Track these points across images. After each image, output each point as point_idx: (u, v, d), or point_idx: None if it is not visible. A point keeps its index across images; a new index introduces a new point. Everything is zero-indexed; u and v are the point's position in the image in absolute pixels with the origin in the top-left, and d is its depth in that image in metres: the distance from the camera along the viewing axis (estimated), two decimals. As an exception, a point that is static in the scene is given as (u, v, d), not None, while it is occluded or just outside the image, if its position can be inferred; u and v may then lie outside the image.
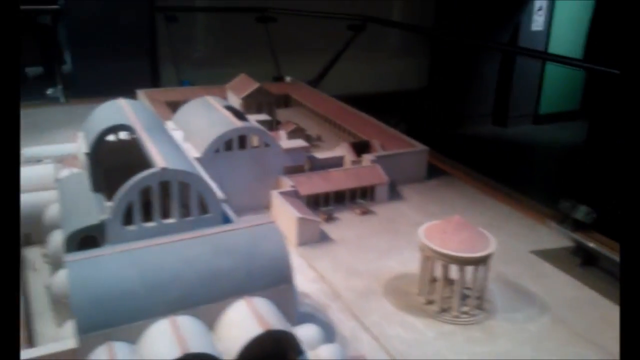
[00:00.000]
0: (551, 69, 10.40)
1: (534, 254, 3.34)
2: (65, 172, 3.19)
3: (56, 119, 5.31)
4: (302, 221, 3.23)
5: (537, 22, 10.33)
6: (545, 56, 9.57)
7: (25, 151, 3.81)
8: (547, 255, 3.33)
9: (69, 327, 2.13)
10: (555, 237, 3.55)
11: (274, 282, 2.18)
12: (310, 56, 7.55)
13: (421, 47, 10.27)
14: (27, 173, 3.31)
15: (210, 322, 2.06)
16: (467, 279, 2.66)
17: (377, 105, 6.58)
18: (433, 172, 4.47)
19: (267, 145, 3.59)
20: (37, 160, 3.64)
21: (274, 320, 2.03)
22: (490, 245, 2.62)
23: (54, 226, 2.82)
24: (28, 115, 5.41)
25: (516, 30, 10.12)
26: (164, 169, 2.26)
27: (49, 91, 6.29)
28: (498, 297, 2.87)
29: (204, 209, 2.40)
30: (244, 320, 2.02)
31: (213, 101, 3.85)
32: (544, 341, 2.59)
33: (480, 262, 2.60)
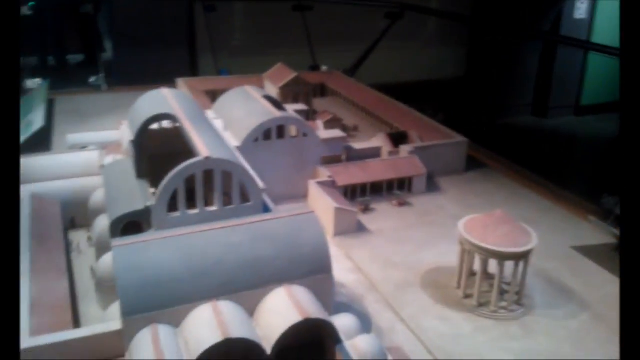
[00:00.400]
0: (594, 58, 10.07)
1: (575, 249, 3.27)
2: (109, 159, 3.27)
3: (98, 106, 5.44)
4: (339, 211, 3.24)
5: (580, 9, 10.02)
6: (588, 45, 9.27)
7: (69, 137, 3.92)
8: (589, 251, 3.26)
9: (114, 309, 2.20)
10: (597, 233, 3.47)
11: (313, 271, 2.21)
12: (347, 45, 7.50)
13: (459, 35, 10.09)
14: (72, 159, 3.42)
15: (250, 309, 2.10)
16: (506, 273, 2.63)
17: (415, 94, 6.51)
18: (472, 164, 4.41)
19: (305, 135, 3.61)
20: (82, 147, 3.74)
21: (313, 309, 2.05)
22: (531, 240, 2.58)
23: (99, 211, 2.91)
24: (71, 102, 5.57)
25: (558, 18, 9.83)
26: (208, 158, 2.30)
27: (91, 79, 6.44)
28: (537, 292, 2.83)
29: (245, 197, 2.43)
30: (284, 307, 2.05)
31: (252, 91, 3.88)
32: (584, 339, 2.55)
33: (521, 257, 2.56)
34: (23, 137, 4.22)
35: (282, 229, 2.22)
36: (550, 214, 3.72)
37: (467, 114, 9.67)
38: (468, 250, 2.66)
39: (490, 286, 2.68)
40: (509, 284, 2.66)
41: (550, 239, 3.32)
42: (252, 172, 2.46)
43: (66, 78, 7.33)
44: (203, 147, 2.37)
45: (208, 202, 2.41)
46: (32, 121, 4.44)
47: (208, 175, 2.37)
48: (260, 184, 2.45)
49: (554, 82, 10.11)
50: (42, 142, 4.38)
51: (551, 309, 2.73)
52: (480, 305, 2.67)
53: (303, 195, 3.59)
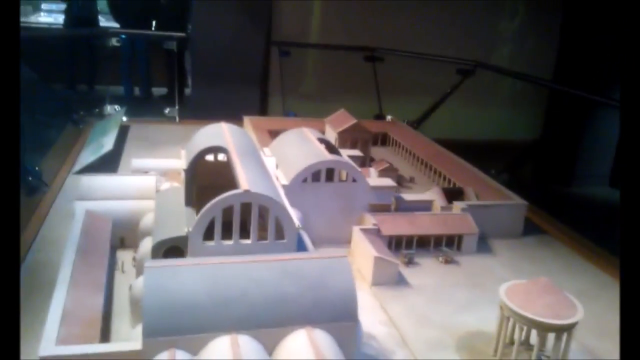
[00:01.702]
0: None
1: (632, 331, 3.01)
2: (165, 185, 3.41)
3: (167, 135, 5.72)
4: (379, 261, 3.17)
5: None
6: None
7: (134, 162, 4.13)
8: (648, 335, 2.98)
9: (139, 329, 2.24)
10: (661, 317, 3.18)
11: (337, 317, 2.16)
12: (415, 97, 7.53)
13: (536, 97, 9.87)
14: (131, 182, 3.59)
15: (269, 347, 2.08)
16: (548, 346, 2.45)
17: (481, 153, 6.38)
18: (532, 230, 4.20)
19: (354, 180, 3.61)
20: (144, 172, 3.93)
21: (331, 356, 1.99)
22: (576, 313, 2.40)
23: (147, 233, 3.01)
24: (144, 130, 5.90)
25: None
26: (246, 191, 2.34)
27: (167, 111, 6.83)
28: (582, 372, 2.62)
29: (280, 234, 2.44)
30: (302, 350, 2.01)
31: (308, 133, 3.95)
32: None
33: (563, 330, 2.39)
34: (92, 158, 4.50)
35: (310, 270, 2.20)
36: (610, 290, 3.46)
37: (537, 178, 9.33)
38: (507, 317, 2.52)
39: (529, 357, 2.51)
40: (548, 356, 2.47)
41: (606, 315, 3.09)
42: (290, 210, 2.47)
43: (146, 108, 7.82)
44: (244, 181, 2.42)
45: (244, 235, 2.43)
46: (103, 144, 4.72)
47: (247, 208, 2.41)
48: (297, 222, 2.46)
49: (634, 153, 9.63)
50: (110, 164, 4.65)
51: (596, 392, 2.51)
52: (516, 377, 2.50)
53: (347, 241, 3.55)
